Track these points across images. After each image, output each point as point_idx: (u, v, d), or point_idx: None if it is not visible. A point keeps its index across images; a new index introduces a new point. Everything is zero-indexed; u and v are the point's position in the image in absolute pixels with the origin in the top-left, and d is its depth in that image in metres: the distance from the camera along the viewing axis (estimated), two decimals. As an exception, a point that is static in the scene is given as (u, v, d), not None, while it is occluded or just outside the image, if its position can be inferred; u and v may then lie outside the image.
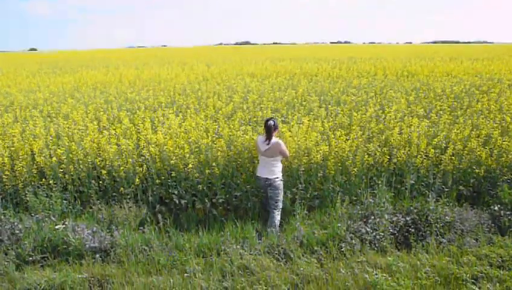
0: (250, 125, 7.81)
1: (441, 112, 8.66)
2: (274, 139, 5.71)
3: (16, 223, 5.59)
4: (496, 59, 23.75)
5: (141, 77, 16.43)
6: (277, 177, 5.79)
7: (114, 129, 7.57)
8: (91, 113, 8.99)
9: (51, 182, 6.42)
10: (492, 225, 5.72)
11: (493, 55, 29.04)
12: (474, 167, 6.65)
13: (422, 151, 6.70)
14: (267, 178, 5.76)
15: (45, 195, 6.22)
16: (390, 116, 8.04)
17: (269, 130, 5.66)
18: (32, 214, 5.92)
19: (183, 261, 5.02)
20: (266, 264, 4.89)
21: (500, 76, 14.43)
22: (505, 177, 6.60)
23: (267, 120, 5.73)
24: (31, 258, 5.11)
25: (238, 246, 5.20)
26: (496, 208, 5.90)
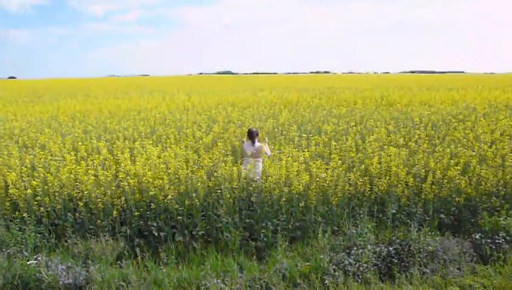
0: (231, 155, 7.75)
1: (420, 140, 8.76)
2: (257, 143, 7.05)
3: (-16, 259, 5.34)
4: (469, 88, 24.47)
5: (121, 107, 16.32)
6: (260, 177, 6.86)
7: (92, 160, 7.40)
8: (69, 144, 8.81)
9: (24, 215, 6.18)
10: (474, 253, 5.72)
11: (467, 85, 29.98)
12: (454, 195, 6.70)
13: (402, 181, 6.73)
14: (254, 179, 6.66)
15: (18, 229, 5.98)
16: (370, 145, 8.10)
17: (252, 136, 7.08)
18: (3, 249, 5.67)
19: (161, 297, 4.84)
20: (248, 299, 4.75)
21: (474, 105, 14.81)
22: (485, 205, 6.65)
23: (250, 128, 7.27)
24: (0, 297, 4.87)
25: (219, 280, 5.04)
26: (477, 236, 5.91)
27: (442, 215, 6.59)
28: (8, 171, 6.81)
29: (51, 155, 7.70)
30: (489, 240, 5.79)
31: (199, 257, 5.82)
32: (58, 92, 30.04)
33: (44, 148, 8.41)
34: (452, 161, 7.29)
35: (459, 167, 7.03)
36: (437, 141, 8.92)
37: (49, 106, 17.37)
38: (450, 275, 5.19)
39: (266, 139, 7.97)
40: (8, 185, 6.46)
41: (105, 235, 5.99)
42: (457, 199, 6.65)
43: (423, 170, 7.10)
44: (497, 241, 5.72)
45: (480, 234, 5.95)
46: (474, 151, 7.81)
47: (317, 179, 6.56)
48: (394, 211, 6.53)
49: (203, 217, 6.30)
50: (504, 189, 6.79)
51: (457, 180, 6.74)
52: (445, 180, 6.80)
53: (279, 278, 5.15)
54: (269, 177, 6.50)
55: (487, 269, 5.38)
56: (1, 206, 6.32)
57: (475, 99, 17.00)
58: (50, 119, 13.10)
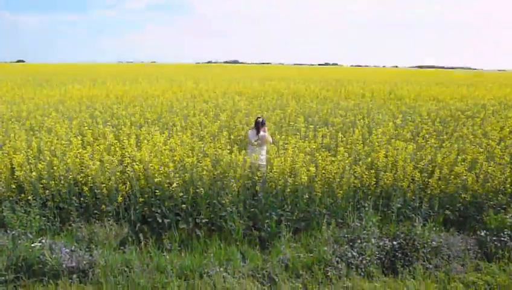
0: (236, 144, 7.73)
1: (427, 135, 8.69)
2: (262, 133, 7.20)
3: (-11, 240, 5.37)
4: (479, 85, 24.22)
5: (128, 93, 16.29)
6: (264, 163, 7.06)
7: (98, 145, 7.40)
8: (75, 128, 8.82)
9: (29, 197, 6.21)
10: (479, 250, 5.69)
11: (477, 81, 29.65)
12: (461, 192, 6.64)
13: (408, 175, 6.68)
14: (259, 164, 6.90)
15: (23, 211, 6.00)
16: (377, 138, 8.04)
17: (258, 125, 7.24)
18: (8, 231, 5.70)
19: (164, 284, 4.86)
20: (250, 288, 4.76)
21: (484, 102, 14.65)
22: (491, 203, 6.59)
23: (257, 118, 7.41)
24: (3, 278, 4.89)
25: (222, 269, 5.06)
26: (483, 233, 5.86)
27: (447, 211, 6.56)
28: (14, 154, 6.83)
29: (58, 139, 7.70)
30: (494, 238, 5.75)
31: (202, 244, 5.83)
32: (66, 77, 30.09)
33: (51, 132, 8.42)
34: (459, 157, 7.22)
35: (466, 163, 6.97)
36: (445, 137, 8.84)
37: (57, 90, 17.38)
38: (453, 271, 5.17)
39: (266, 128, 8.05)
40: (14, 168, 6.48)
41: (109, 220, 6.00)
42: (463, 195, 6.60)
43: (430, 165, 7.04)
44: (502, 239, 5.69)
45: (485, 231, 5.91)
46: (482, 148, 7.73)
47: (323, 171, 6.53)
48: (399, 205, 6.50)
49: (208, 206, 6.29)
50: (511, 187, 6.73)
51: (464, 177, 6.68)
52: (452, 176, 6.74)
53: (282, 269, 5.15)
54: (274, 168, 6.47)
55: (491, 266, 5.35)
56: (7, 188, 6.34)
57: (485, 96, 16.81)
58: (57, 103, 13.11)
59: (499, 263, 5.42)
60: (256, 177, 6.56)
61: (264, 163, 7.07)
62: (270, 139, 7.50)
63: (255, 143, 7.18)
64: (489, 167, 6.83)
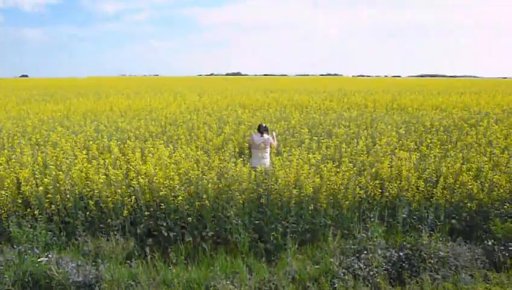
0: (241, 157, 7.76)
1: (431, 145, 8.69)
2: (265, 135, 7.82)
3: (-4, 256, 5.38)
4: (482, 93, 24.19)
5: (132, 106, 16.39)
6: (268, 166, 7.47)
7: (103, 159, 7.44)
8: (80, 142, 8.87)
9: (36, 212, 6.23)
10: (487, 260, 5.64)
11: (480, 89, 29.60)
12: (466, 201, 6.61)
13: (413, 185, 6.66)
14: (265, 168, 7.18)
15: (29, 226, 6.02)
16: (381, 148, 8.04)
17: (261, 129, 7.86)
18: (15, 246, 5.71)
19: (170, 298, 4.84)
20: (257, 301, 4.73)
21: (487, 110, 14.64)
22: (497, 211, 6.56)
23: (260, 123, 8.17)
24: (10, 293, 4.90)
25: (228, 282, 5.03)
26: (490, 243, 5.82)
27: (453, 221, 6.52)
28: (20, 169, 6.87)
29: (63, 153, 7.75)
30: (502, 247, 5.71)
31: (208, 257, 5.83)
32: (70, 91, 30.28)
33: (56, 147, 8.47)
34: (464, 166, 7.21)
35: (471, 172, 6.95)
36: (449, 146, 8.83)
37: (61, 104, 17.50)
38: (461, 282, 5.13)
39: (274, 133, 8.65)
40: (21, 182, 6.52)
41: (115, 234, 6.01)
42: (469, 205, 6.57)
43: (434, 175, 7.03)
44: (510, 248, 5.64)
45: (492, 241, 5.87)
46: (486, 157, 7.71)
47: (328, 182, 6.53)
48: (405, 215, 6.48)
49: (213, 218, 6.30)
50: (517, 195, 6.69)
51: (469, 186, 6.66)
52: (457, 186, 6.72)
53: (289, 281, 5.13)
54: (279, 180, 6.48)
55: (500, 276, 5.30)
56: (13, 203, 6.37)
57: (488, 104, 16.80)
58: (62, 118, 13.21)
59: (508, 273, 5.38)
60: (261, 190, 6.57)
61: (268, 165, 7.50)
62: (275, 143, 8.08)
63: (262, 145, 7.73)
64: (495, 176, 6.81)
